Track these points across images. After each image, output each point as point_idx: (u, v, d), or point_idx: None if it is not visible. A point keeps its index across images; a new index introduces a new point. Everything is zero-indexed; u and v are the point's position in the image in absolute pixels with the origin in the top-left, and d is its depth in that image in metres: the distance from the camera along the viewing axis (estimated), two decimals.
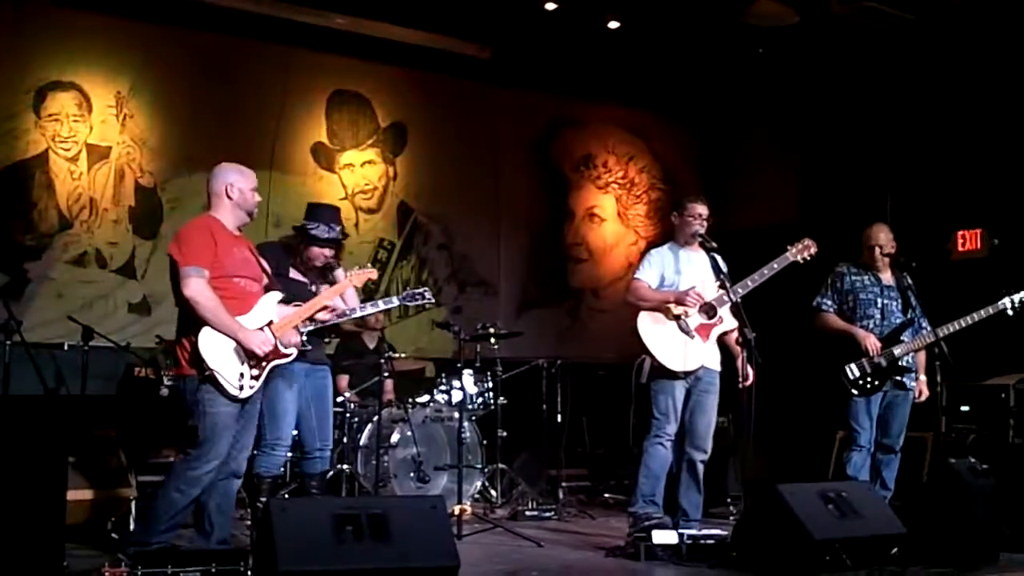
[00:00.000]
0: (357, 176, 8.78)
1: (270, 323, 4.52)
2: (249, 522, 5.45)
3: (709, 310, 5.47)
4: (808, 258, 5.55)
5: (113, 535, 5.42)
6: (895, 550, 4.75)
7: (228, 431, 4.38)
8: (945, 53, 7.85)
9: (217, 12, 7.77)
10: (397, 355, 7.11)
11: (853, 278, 5.90)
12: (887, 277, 5.92)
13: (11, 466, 3.66)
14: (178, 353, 4.43)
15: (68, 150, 7.58)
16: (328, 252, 5.25)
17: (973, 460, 5.20)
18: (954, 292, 5.87)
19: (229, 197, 4.53)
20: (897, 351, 5.72)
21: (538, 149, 9.65)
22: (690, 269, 5.58)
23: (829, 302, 5.93)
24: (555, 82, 9.33)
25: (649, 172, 10.20)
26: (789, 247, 5.52)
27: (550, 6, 7.83)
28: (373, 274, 5.13)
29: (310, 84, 8.56)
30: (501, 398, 7.11)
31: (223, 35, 8.06)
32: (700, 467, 5.53)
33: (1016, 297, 5.68)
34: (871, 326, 5.80)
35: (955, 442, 6.72)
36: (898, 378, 5.76)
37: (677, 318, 5.45)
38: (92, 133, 7.67)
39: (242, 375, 4.36)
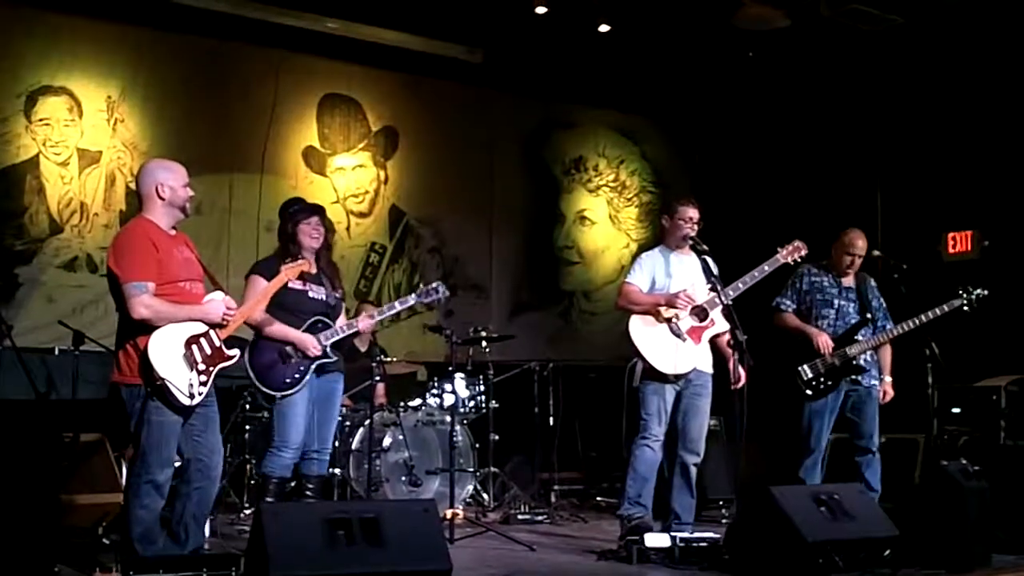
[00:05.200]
0: (348, 180, 8.77)
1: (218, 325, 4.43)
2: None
3: (700, 313, 5.47)
4: (799, 259, 5.58)
5: (104, 540, 5.40)
6: (887, 552, 4.75)
7: (173, 438, 4.29)
8: (934, 55, 7.88)
9: (208, 16, 7.75)
10: (389, 359, 7.10)
11: (813, 279, 5.96)
12: (847, 280, 5.98)
13: (4, 470, 3.65)
14: (121, 360, 4.29)
15: (59, 154, 7.55)
16: (315, 221, 5.21)
17: (965, 462, 5.20)
18: (945, 294, 5.88)
19: (160, 197, 4.36)
20: (851, 350, 5.76)
21: (529, 152, 9.65)
22: (681, 272, 5.58)
23: (788, 302, 5.99)
24: (546, 85, 9.34)
25: (640, 175, 10.21)
26: (780, 249, 5.54)
27: (541, 9, 7.83)
28: (304, 264, 5.06)
29: (301, 88, 8.54)
30: (493, 402, 7.11)
31: (214, 39, 8.04)
32: (693, 470, 5.53)
33: (973, 294, 5.72)
34: (825, 326, 5.86)
35: (947, 444, 6.73)
36: (854, 377, 5.79)
37: (668, 321, 5.45)
38: (83, 138, 7.65)
39: (191, 383, 4.26)
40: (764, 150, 9.37)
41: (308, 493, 5.34)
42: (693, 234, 5.54)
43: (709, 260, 5.51)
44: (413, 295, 5.45)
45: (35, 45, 7.48)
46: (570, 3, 7.82)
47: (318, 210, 5.31)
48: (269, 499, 5.06)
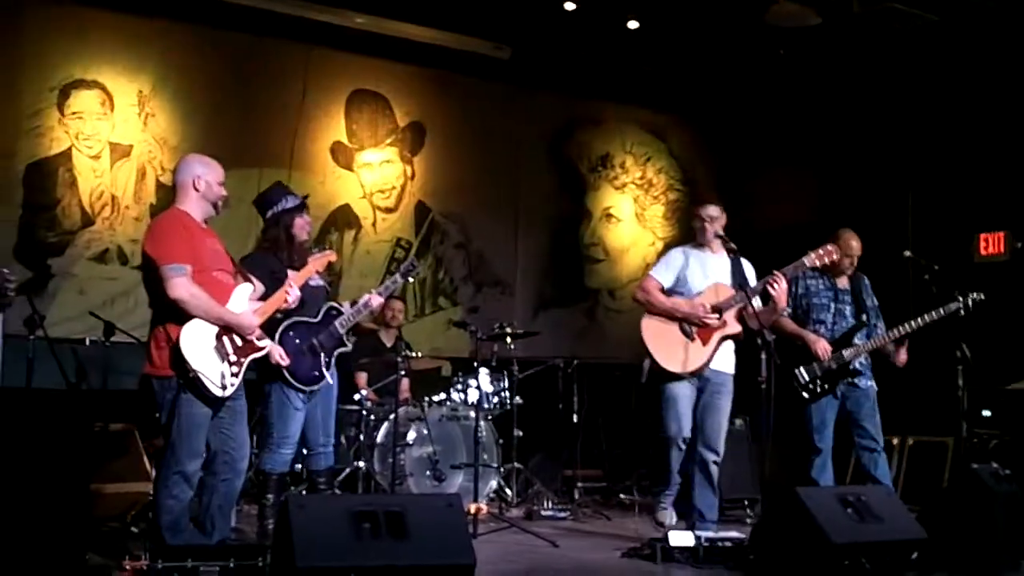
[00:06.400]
0: (375, 175, 8.80)
1: None
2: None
3: (715, 313, 5.46)
4: (828, 264, 5.52)
5: (133, 528, 5.45)
6: (915, 555, 4.72)
7: (202, 430, 4.33)
8: (968, 54, 7.80)
9: (238, 11, 7.79)
10: (414, 354, 7.11)
11: (808, 282, 5.92)
12: (842, 282, 5.96)
13: (36, 458, 3.69)
14: (153, 352, 4.33)
15: (91, 148, 7.63)
16: (308, 219, 5.30)
17: (995, 465, 5.16)
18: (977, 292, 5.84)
19: (196, 189, 4.45)
20: (847, 354, 5.74)
21: (556, 149, 9.65)
22: (707, 271, 5.57)
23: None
24: (573, 82, 9.33)
25: (667, 173, 10.18)
26: (810, 252, 5.48)
27: (569, 6, 7.82)
28: (333, 256, 5.17)
29: (329, 83, 8.58)
30: (517, 398, 7.11)
31: (244, 34, 8.09)
32: (713, 468, 5.52)
33: (970, 297, 5.69)
34: (822, 330, 5.85)
35: (977, 447, 6.68)
36: (850, 380, 5.79)
37: (681, 320, 5.46)
38: (114, 131, 7.72)
39: (223, 374, 4.30)
40: (793, 149, 9.31)
41: (322, 488, 5.38)
42: (719, 232, 5.53)
43: (744, 261, 5.50)
44: (397, 275, 5.48)
45: (67, 39, 7.55)
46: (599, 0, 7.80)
47: (306, 202, 5.36)
48: (270, 495, 5.10)
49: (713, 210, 5.60)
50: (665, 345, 5.46)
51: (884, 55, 8.14)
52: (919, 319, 5.68)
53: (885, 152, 8.59)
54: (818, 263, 5.47)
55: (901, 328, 5.72)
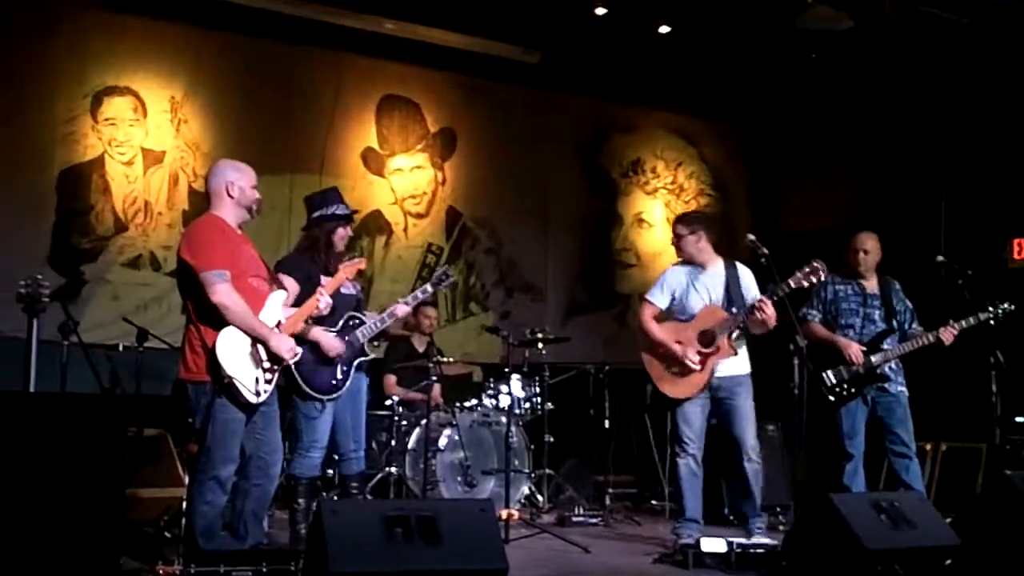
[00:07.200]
0: (406, 181, 8.83)
1: (279, 324, 4.49)
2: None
3: (708, 338, 5.45)
4: (814, 282, 5.46)
5: (166, 533, 5.50)
6: (949, 562, 4.67)
7: (237, 436, 4.35)
8: (1001, 57, 7.72)
9: (269, 17, 7.85)
10: (445, 359, 7.13)
11: (836, 287, 5.88)
12: (872, 286, 5.91)
13: (70, 463, 3.73)
14: (188, 357, 4.35)
15: (124, 154, 7.71)
16: (349, 232, 5.35)
17: None
18: (1010, 301, 5.77)
19: (230, 195, 4.46)
20: (875, 359, 5.69)
21: (586, 154, 9.64)
22: (703, 288, 5.59)
23: (814, 312, 5.93)
24: (604, 87, 9.31)
25: (698, 178, 10.14)
26: (796, 272, 5.43)
27: (600, 10, 7.81)
28: (363, 264, 5.21)
29: (360, 89, 8.62)
30: (548, 403, 7.11)
31: (275, 40, 8.14)
32: (748, 466, 5.50)
33: (1000, 307, 5.65)
34: (852, 335, 5.80)
35: (1010, 453, 6.61)
36: (879, 384, 5.74)
37: (678, 344, 5.52)
38: (147, 137, 7.80)
39: (257, 379, 4.32)
40: (826, 154, 9.25)
41: (354, 493, 5.40)
42: (688, 249, 5.61)
43: (740, 269, 5.48)
44: (429, 285, 5.54)
45: (100, 46, 7.63)
46: (629, 4, 7.79)
47: (353, 216, 5.42)
48: (301, 500, 5.13)
49: (680, 228, 5.68)
50: (664, 373, 5.58)
51: (917, 59, 8.07)
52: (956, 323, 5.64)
53: (918, 156, 8.51)
54: (805, 283, 5.43)
55: (930, 336, 5.67)
